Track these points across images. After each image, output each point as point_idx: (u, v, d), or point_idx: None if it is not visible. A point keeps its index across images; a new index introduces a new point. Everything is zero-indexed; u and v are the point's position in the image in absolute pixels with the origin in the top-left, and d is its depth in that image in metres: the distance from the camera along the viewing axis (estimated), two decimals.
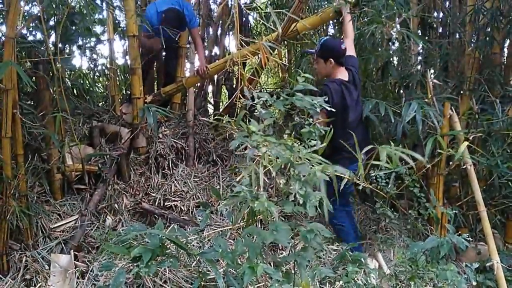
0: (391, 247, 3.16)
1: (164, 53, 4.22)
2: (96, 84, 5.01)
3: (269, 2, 4.72)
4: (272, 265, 2.46)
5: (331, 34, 4.59)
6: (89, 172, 3.28)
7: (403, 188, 3.07)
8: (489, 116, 3.22)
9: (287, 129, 2.13)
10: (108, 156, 3.42)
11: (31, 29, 3.47)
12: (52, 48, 3.25)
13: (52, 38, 3.50)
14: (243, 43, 3.07)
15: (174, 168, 3.60)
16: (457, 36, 4.08)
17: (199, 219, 3.16)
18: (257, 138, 1.91)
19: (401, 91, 3.96)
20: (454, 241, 2.34)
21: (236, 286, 2.14)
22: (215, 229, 3.07)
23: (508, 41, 3.80)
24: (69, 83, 4.23)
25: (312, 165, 1.89)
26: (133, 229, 2.32)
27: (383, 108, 2.99)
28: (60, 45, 3.33)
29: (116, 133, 3.58)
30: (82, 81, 4.56)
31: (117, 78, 4.31)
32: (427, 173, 3.34)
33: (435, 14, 4.35)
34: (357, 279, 2.61)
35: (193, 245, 2.87)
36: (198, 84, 4.38)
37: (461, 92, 3.63)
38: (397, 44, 3.97)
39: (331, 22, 4.17)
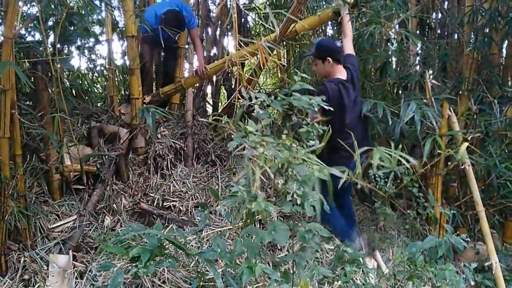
0: (389, 246, 3.16)
1: (163, 54, 4.23)
2: (95, 84, 5.01)
3: (267, 3, 4.73)
4: (270, 265, 2.46)
5: (330, 34, 4.59)
6: (87, 173, 3.28)
7: (402, 187, 3.07)
8: (488, 116, 3.23)
9: (285, 129, 2.12)
10: (106, 156, 3.42)
11: (29, 29, 3.47)
12: (51, 49, 3.25)
13: (51, 38, 3.50)
14: (241, 44, 3.08)
15: (173, 168, 3.60)
16: (456, 36, 4.09)
17: (198, 219, 3.16)
18: (254, 138, 1.91)
19: (400, 92, 3.96)
20: (452, 241, 2.34)
21: (234, 286, 2.15)
22: (213, 229, 3.07)
23: (506, 42, 3.80)
24: (67, 83, 4.23)
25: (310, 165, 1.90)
26: (132, 229, 2.32)
27: (381, 108, 2.99)
28: (58, 45, 3.33)
29: (115, 133, 3.58)
30: (80, 82, 4.55)
31: (116, 79, 4.31)
32: (426, 173, 3.35)
33: (434, 14, 4.36)
34: (356, 278, 2.62)
35: (192, 245, 2.87)
36: (197, 85, 4.39)
37: (460, 92, 3.64)
38: (395, 44, 3.97)
39: (329, 22, 4.17)
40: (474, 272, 2.74)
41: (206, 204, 3.13)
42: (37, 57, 2.94)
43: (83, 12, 3.74)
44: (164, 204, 3.31)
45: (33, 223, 2.86)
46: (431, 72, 3.90)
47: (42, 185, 3.12)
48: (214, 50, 4.70)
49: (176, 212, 3.27)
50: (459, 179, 3.44)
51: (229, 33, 4.81)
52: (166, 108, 4.05)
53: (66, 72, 4.35)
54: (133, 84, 3.53)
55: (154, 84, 4.34)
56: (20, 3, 2.58)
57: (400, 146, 2.31)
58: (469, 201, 3.15)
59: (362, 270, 2.68)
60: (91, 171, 3.30)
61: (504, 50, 3.88)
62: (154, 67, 4.29)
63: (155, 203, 3.31)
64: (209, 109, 4.86)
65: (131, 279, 2.40)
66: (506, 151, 3.19)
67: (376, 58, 3.79)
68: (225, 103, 4.52)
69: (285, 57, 4.96)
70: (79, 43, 4.29)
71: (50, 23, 3.43)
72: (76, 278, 2.55)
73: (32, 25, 3.35)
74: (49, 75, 3.05)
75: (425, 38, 4.18)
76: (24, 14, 3.51)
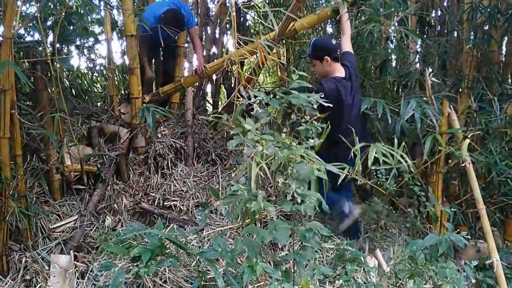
0: (391, 245, 3.17)
1: (162, 53, 4.22)
2: (95, 84, 5.01)
3: (266, 1, 4.72)
4: (271, 264, 2.46)
5: (329, 32, 4.59)
6: (88, 172, 3.28)
7: (403, 186, 3.07)
8: (488, 114, 3.23)
9: (284, 128, 2.13)
10: (107, 156, 3.41)
11: (28, 29, 3.46)
12: (50, 48, 3.25)
13: (50, 38, 3.50)
14: (241, 42, 3.07)
15: (173, 167, 3.60)
16: (455, 34, 4.08)
17: (199, 218, 3.16)
18: (252, 136, 1.91)
19: (400, 90, 3.96)
20: (453, 239, 2.35)
21: (235, 286, 2.15)
22: (214, 229, 3.07)
23: (506, 39, 3.80)
24: (67, 83, 4.23)
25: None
26: (133, 229, 2.33)
27: (381, 106, 2.99)
28: (58, 45, 3.32)
29: (115, 133, 3.58)
30: (80, 81, 4.55)
31: (116, 78, 4.30)
32: (426, 171, 3.35)
33: (433, 12, 4.36)
34: (357, 277, 2.62)
35: (193, 245, 2.87)
36: (197, 84, 4.38)
37: (460, 90, 3.63)
38: (395, 42, 3.97)
39: (329, 21, 4.16)
40: (475, 270, 2.75)
41: (206, 203, 3.14)
42: (37, 57, 2.93)
43: (82, 11, 3.73)
44: (165, 203, 3.31)
45: (34, 223, 2.86)
46: (431, 70, 3.90)
47: (42, 185, 3.12)
48: (213, 49, 4.70)
49: (177, 211, 3.27)
50: (459, 177, 3.44)
51: (229, 32, 4.80)
52: (166, 108, 4.05)
53: (66, 72, 4.35)
54: (133, 84, 3.52)
55: (154, 83, 4.34)
56: (19, 3, 2.58)
57: (401, 144, 2.31)
58: (470, 199, 3.15)
59: (363, 269, 2.68)
60: (91, 171, 3.30)
61: (503, 48, 3.87)
62: (153, 66, 4.29)
63: (155, 203, 3.31)
64: (209, 108, 4.86)
65: (132, 278, 2.40)
66: (507, 148, 3.19)
67: (376, 56, 3.79)
68: (225, 102, 4.52)
69: (285, 55, 4.96)
70: (78, 42, 4.29)
71: (49, 22, 3.42)
72: (78, 278, 2.55)
73: (31, 25, 3.35)
74: (49, 75, 3.05)
75: (425, 36, 4.17)
76: (23, 14, 3.51)
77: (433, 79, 3.17)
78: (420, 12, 3.98)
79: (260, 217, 3.05)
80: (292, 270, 2.11)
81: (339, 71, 3.00)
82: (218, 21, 4.69)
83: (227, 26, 4.68)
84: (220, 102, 4.87)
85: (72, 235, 2.91)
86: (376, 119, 3.21)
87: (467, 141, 2.79)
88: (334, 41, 3.03)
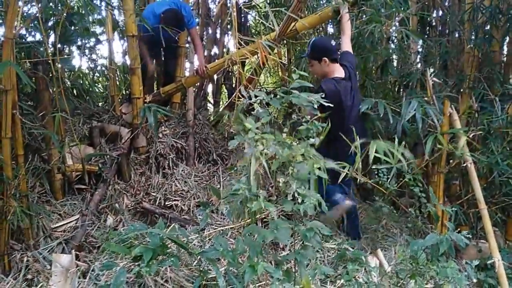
0: (392, 245, 3.17)
1: (163, 53, 4.23)
2: (96, 84, 5.01)
3: (267, 1, 4.73)
4: (273, 264, 2.46)
5: (330, 33, 4.59)
6: (89, 172, 3.28)
7: (404, 186, 3.07)
8: (489, 114, 3.23)
9: (285, 128, 2.13)
10: (108, 156, 3.42)
11: (30, 29, 3.47)
12: (51, 49, 3.25)
13: (51, 38, 3.51)
14: (242, 43, 3.08)
15: (175, 167, 3.61)
16: (456, 34, 4.08)
17: (200, 218, 3.17)
18: (253, 135, 1.91)
19: (401, 90, 3.96)
20: (454, 238, 2.34)
21: (237, 285, 2.15)
22: (215, 228, 3.07)
23: (507, 39, 3.80)
24: (68, 83, 4.24)
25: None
26: (134, 228, 2.32)
27: (382, 107, 2.99)
28: (59, 45, 3.33)
29: (116, 133, 3.58)
30: (81, 81, 4.56)
31: (117, 78, 4.31)
32: (428, 171, 3.35)
33: (434, 12, 4.36)
34: (358, 277, 2.62)
35: (194, 244, 2.87)
36: (198, 84, 4.39)
37: (461, 90, 3.63)
38: (396, 42, 3.97)
39: (330, 21, 4.16)
40: (477, 270, 2.75)
41: (207, 203, 3.14)
42: (38, 57, 2.94)
43: (83, 11, 3.74)
44: (166, 203, 3.31)
45: (36, 222, 2.86)
46: (432, 70, 3.90)
47: (44, 185, 3.12)
48: (214, 49, 4.70)
49: (178, 211, 3.27)
50: (461, 177, 3.44)
51: (229, 32, 4.81)
52: (167, 108, 4.05)
53: (67, 72, 4.35)
54: (134, 84, 3.53)
55: (155, 83, 4.35)
56: (20, 3, 2.58)
57: (401, 144, 2.31)
58: (471, 199, 3.15)
59: (365, 269, 2.68)
60: (93, 170, 3.30)
61: (505, 48, 3.88)
62: (154, 66, 4.30)
63: (157, 202, 3.31)
64: (210, 108, 4.86)
65: (134, 278, 2.41)
66: (508, 148, 3.18)
67: (377, 56, 3.79)
68: (226, 102, 4.52)
69: (286, 56, 4.96)
70: (79, 43, 4.30)
71: (50, 23, 3.43)
72: (79, 278, 2.55)
73: (32, 25, 3.35)
74: (50, 75, 3.06)
75: (426, 36, 4.17)
76: (25, 14, 3.51)
77: (434, 79, 3.17)
78: (421, 12, 3.98)
79: (260, 216, 3.05)
80: (293, 270, 2.11)
81: (338, 72, 3.00)
82: (219, 21, 4.70)
83: (228, 26, 4.69)
84: (221, 102, 4.87)
85: (74, 234, 2.92)
86: (377, 119, 3.20)
87: (464, 138, 2.79)
88: (333, 42, 3.03)
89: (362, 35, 3.35)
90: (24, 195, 2.72)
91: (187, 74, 4.22)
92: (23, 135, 2.78)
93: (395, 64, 4.18)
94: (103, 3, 3.91)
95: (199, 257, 2.64)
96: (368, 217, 3.61)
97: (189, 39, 4.13)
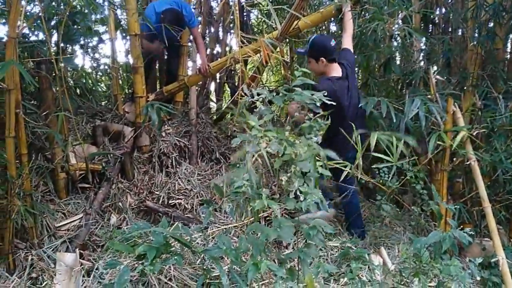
0: (395, 243, 3.16)
1: (166, 52, 4.23)
2: (99, 83, 5.02)
3: None
4: (276, 262, 2.46)
5: (333, 31, 4.58)
6: (93, 171, 3.29)
7: (407, 184, 3.06)
8: (492, 111, 3.21)
9: (288, 125, 2.13)
10: (111, 155, 3.43)
11: (33, 29, 3.48)
12: (54, 48, 3.26)
13: (54, 37, 3.52)
14: (244, 41, 3.08)
15: (178, 166, 3.61)
16: (460, 32, 4.06)
17: (203, 216, 3.17)
18: (256, 132, 1.91)
19: (404, 88, 3.95)
20: (457, 236, 2.34)
21: (240, 283, 2.15)
22: (219, 227, 3.07)
23: (511, 37, 3.78)
24: (71, 82, 4.24)
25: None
26: (138, 227, 2.33)
27: (385, 106, 2.98)
28: (62, 44, 3.34)
29: (119, 132, 3.59)
30: (84, 81, 4.56)
31: (120, 77, 4.31)
32: (431, 169, 3.34)
33: (437, 10, 4.34)
34: (362, 275, 2.61)
35: (197, 243, 2.88)
36: (200, 83, 4.39)
37: (464, 88, 3.62)
38: (399, 40, 3.96)
39: (332, 19, 4.16)
40: (481, 268, 2.74)
41: (210, 201, 3.14)
42: (41, 57, 2.95)
43: (86, 11, 3.74)
44: (169, 202, 3.32)
45: (40, 221, 2.87)
46: (435, 68, 3.89)
47: (48, 184, 3.13)
48: (217, 48, 4.70)
49: (182, 210, 3.28)
50: (464, 175, 3.43)
51: (232, 31, 4.80)
52: (170, 107, 4.05)
53: (70, 71, 4.36)
54: (137, 83, 3.53)
55: (157, 82, 4.35)
56: (23, 3, 2.59)
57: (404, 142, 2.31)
58: (475, 197, 3.14)
59: (368, 267, 2.68)
60: (96, 169, 3.31)
61: (508, 45, 3.87)
62: (157, 65, 4.30)
63: (160, 201, 3.32)
64: (213, 106, 4.87)
65: (138, 276, 2.42)
66: None
67: (380, 54, 3.78)
68: (229, 100, 4.52)
69: (288, 54, 4.96)
70: (82, 42, 4.30)
71: (53, 22, 3.44)
72: (83, 276, 2.56)
73: (35, 24, 3.36)
74: (53, 74, 3.06)
75: (429, 34, 4.16)
76: (27, 13, 3.52)
77: (438, 77, 3.16)
78: (424, 10, 3.96)
79: (263, 215, 3.06)
80: (297, 268, 2.11)
81: (336, 71, 3.01)
82: (221, 20, 4.70)
83: (231, 25, 4.68)
84: (224, 101, 4.87)
85: (78, 233, 2.93)
86: (380, 117, 3.20)
87: (463, 133, 2.78)
88: (332, 43, 3.03)
89: (365, 33, 3.34)
90: (28, 194, 2.72)
91: (189, 73, 4.22)
92: (26, 134, 2.78)
93: (398, 62, 4.17)
94: (106, 2, 3.91)
95: (202, 256, 2.64)
96: (371, 215, 3.61)
97: (191, 38, 4.13)
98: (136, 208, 3.29)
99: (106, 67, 4.85)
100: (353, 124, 2.57)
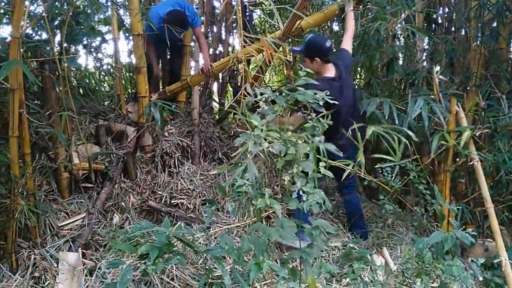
0: (398, 243, 3.16)
1: (169, 52, 4.24)
2: (102, 83, 5.04)
3: None
4: (278, 262, 2.46)
5: (335, 30, 4.58)
6: (96, 171, 3.30)
7: (410, 184, 3.06)
8: (496, 112, 3.20)
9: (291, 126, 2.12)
10: (114, 154, 3.44)
11: (36, 29, 3.49)
12: (58, 48, 3.27)
13: (58, 37, 3.52)
14: (247, 41, 3.08)
15: (180, 166, 3.62)
16: (463, 31, 4.05)
17: (205, 216, 3.17)
18: (259, 132, 1.91)
19: (407, 88, 3.94)
20: (459, 236, 2.33)
21: (242, 283, 2.15)
22: (221, 227, 3.08)
23: None
24: (75, 82, 4.26)
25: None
26: (140, 227, 2.33)
27: (387, 106, 2.97)
28: (65, 44, 3.35)
29: (122, 131, 3.60)
30: (88, 80, 4.58)
31: (123, 77, 4.32)
32: (434, 169, 3.33)
33: (440, 9, 4.32)
34: (364, 276, 2.61)
35: (200, 243, 2.88)
36: (203, 83, 4.39)
37: (467, 88, 3.61)
38: (402, 40, 3.95)
39: (335, 19, 4.15)
40: (483, 269, 2.73)
41: (213, 200, 3.15)
42: (44, 56, 2.96)
43: (89, 11, 3.75)
44: (172, 201, 3.32)
45: (43, 221, 2.89)
46: (438, 67, 3.88)
47: (51, 184, 3.14)
48: (219, 48, 4.70)
49: (184, 209, 3.28)
50: (467, 175, 3.42)
51: (235, 31, 4.80)
52: (173, 107, 4.06)
53: (74, 71, 4.38)
54: (140, 83, 3.54)
55: (160, 82, 4.36)
56: (27, 3, 2.59)
57: (407, 142, 2.30)
58: (478, 197, 3.13)
59: (370, 267, 2.68)
60: (99, 169, 3.32)
61: None
62: (160, 65, 4.31)
63: (163, 201, 3.32)
64: (216, 107, 4.87)
65: (140, 276, 2.42)
66: None
67: (383, 54, 3.77)
68: (231, 100, 4.52)
69: (291, 54, 4.95)
70: (85, 42, 4.32)
71: (56, 22, 3.45)
72: (86, 276, 2.57)
73: (38, 24, 3.37)
74: (57, 74, 3.07)
75: (432, 34, 4.15)
76: (31, 13, 3.53)
77: (441, 77, 3.15)
78: (427, 9, 3.95)
79: (266, 214, 3.05)
80: (299, 268, 2.11)
81: (330, 71, 3.02)
82: (224, 19, 4.70)
83: (233, 24, 4.68)
84: (226, 101, 4.88)
85: (80, 232, 2.94)
86: (383, 117, 3.19)
87: (467, 133, 2.78)
88: (328, 43, 3.04)
89: (368, 33, 3.33)
90: (31, 193, 2.74)
91: (192, 73, 4.23)
92: (30, 134, 2.80)
93: (401, 62, 4.16)
94: (109, 2, 3.92)
95: (204, 255, 2.65)
96: (373, 215, 3.60)
97: (194, 37, 4.13)
98: (139, 207, 3.30)
99: (109, 67, 4.86)
100: (348, 126, 2.56)
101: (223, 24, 4.71)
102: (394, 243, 3.17)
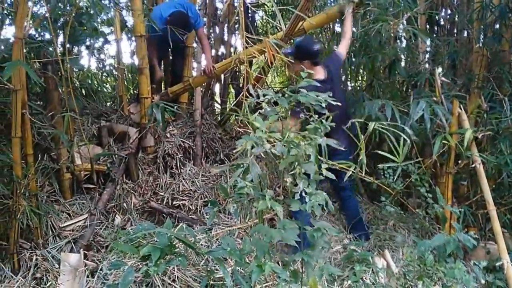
0: (400, 246, 3.15)
1: (171, 53, 4.24)
2: (104, 84, 5.04)
3: (275, 0, 4.72)
4: (280, 264, 2.46)
5: (337, 32, 4.57)
6: (98, 172, 3.30)
7: (412, 186, 3.05)
8: (498, 114, 3.20)
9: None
10: (116, 155, 3.44)
11: (39, 29, 3.50)
12: (61, 49, 3.28)
13: (60, 38, 3.53)
14: (249, 42, 3.08)
15: (182, 167, 3.62)
16: (465, 33, 4.05)
17: (207, 218, 3.17)
18: (261, 134, 1.91)
19: (409, 90, 3.94)
20: (461, 239, 2.33)
21: (244, 285, 2.15)
22: (223, 228, 3.08)
23: None
24: (77, 83, 4.26)
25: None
26: (142, 228, 2.34)
27: (389, 108, 2.97)
28: (68, 45, 3.35)
29: (124, 132, 3.60)
30: (90, 81, 4.59)
31: (125, 78, 4.33)
32: (436, 171, 3.33)
33: (443, 11, 4.32)
34: (366, 278, 2.61)
35: (201, 244, 2.88)
36: (205, 84, 4.39)
37: (470, 90, 3.60)
38: (404, 42, 3.95)
39: (337, 20, 4.15)
40: (485, 272, 2.73)
41: (215, 201, 3.14)
42: (47, 57, 2.96)
43: (92, 12, 3.76)
44: (174, 203, 3.32)
45: (45, 222, 2.88)
46: (440, 69, 3.87)
47: (53, 184, 3.14)
48: (222, 49, 4.71)
49: (186, 210, 3.28)
50: (469, 177, 3.41)
51: (237, 32, 4.80)
52: (175, 108, 4.06)
53: (76, 72, 4.38)
54: (142, 84, 3.55)
55: (162, 83, 4.36)
56: (30, 4, 2.60)
57: (410, 144, 2.30)
58: (480, 200, 3.13)
59: (372, 270, 2.68)
60: (101, 170, 3.32)
61: None
62: (162, 66, 4.31)
63: (164, 202, 3.33)
64: (218, 108, 4.87)
65: (142, 277, 2.42)
66: None
67: (385, 56, 3.77)
68: (233, 101, 4.53)
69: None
70: (88, 43, 4.32)
71: (59, 23, 3.46)
72: (87, 277, 2.57)
73: (41, 25, 3.38)
74: (59, 75, 3.08)
75: (434, 35, 4.15)
76: (34, 14, 3.54)
77: (443, 78, 3.14)
78: (429, 11, 3.95)
79: (268, 216, 3.05)
80: (301, 270, 2.11)
81: (318, 74, 3.02)
82: (226, 21, 4.70)
83: (236, 26, 4.69)
84: (228, 102, 4.88)
85: (82, 233, 2.94)
86: (385, 119, 3.19)
87: (469, 133, 2.77)
88: (316, 47, 3.06)
89: (369, 35, 3.33)
90: (33, 194, 2.74)
91: (194, 74, 4.23)
92: (32, 134, 2.80)
93: (403, 63, 4.16)
94: (112, 3, 3.92)
95: (206, 257, 2.65)
96: (375, 218, 3.60)
97: (196, 39, 4.14)
98: (141, 209, 3.30)
99: (112, 68, 4.87)
100: (337, 129, 2.54)
101: (226, 25, 4.71)
102: (396, 246, 3.17)
